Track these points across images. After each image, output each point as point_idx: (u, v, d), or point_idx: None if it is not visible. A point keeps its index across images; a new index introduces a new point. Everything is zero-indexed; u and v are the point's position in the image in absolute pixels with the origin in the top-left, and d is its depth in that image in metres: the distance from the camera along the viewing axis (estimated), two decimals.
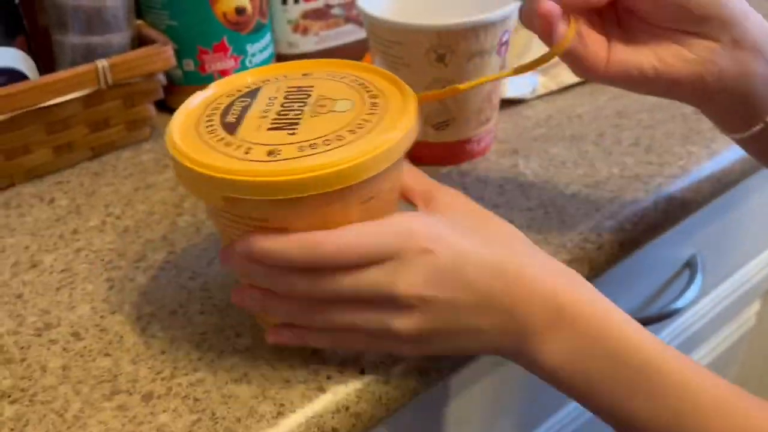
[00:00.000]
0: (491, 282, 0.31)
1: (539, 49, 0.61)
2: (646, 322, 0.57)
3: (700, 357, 0.76)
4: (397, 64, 0.46)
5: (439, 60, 0.45)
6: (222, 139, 0.31)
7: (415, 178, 0.36)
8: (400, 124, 0.31)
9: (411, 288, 0.30)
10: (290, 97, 0.34)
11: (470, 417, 0.49)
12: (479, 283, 0.31)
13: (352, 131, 0.31)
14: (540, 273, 0.32)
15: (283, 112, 0.33)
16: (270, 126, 0.32)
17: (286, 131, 0.31)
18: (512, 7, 0.44)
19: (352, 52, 0.67)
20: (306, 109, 0.33)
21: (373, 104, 0.33)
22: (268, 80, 0.36)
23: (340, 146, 0.30)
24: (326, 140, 0.30)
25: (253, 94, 0.35)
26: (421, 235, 0.31)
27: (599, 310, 0.31)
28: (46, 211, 0.48)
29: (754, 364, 0.92)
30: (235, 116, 0.33)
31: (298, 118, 0.32)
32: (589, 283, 0.33)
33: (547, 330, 0.31)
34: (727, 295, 0.74)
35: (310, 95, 0.34)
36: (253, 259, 0.31)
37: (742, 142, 0.40)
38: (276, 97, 0.34)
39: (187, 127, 0.33)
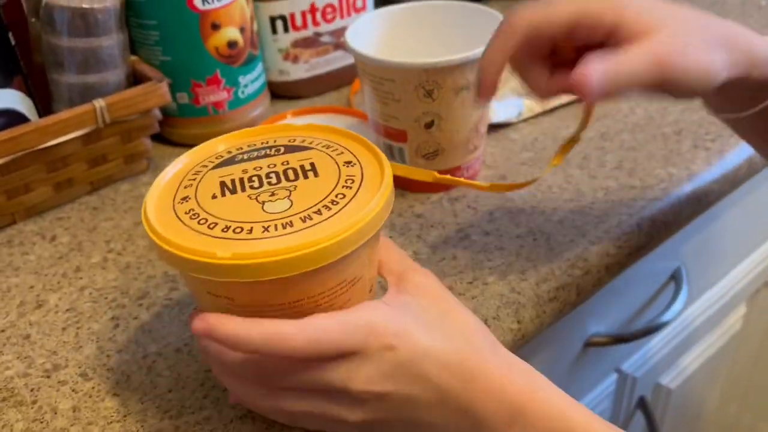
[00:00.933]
0: (449, 380, 0.31)
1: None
2: (634, 336, 0.59)
3: (689, 362, 0.78)
4: (387, 98, 0.47)
5: (427, 95, 0.46)
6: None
7: (390, 254, 0.35)
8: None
9: (367, 384, 0.30)
10: (261, 169, 0.34)
11: None
12: (437, 379, 0.31)
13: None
14: (499, 372, 0.32)
15: (253, 185, 0.33)
16: (238, 200, 0.32)
17: (257, 206, 0.31)
18: None
19: (342, 77, 0.68)
20: (278, 183, 0.33)
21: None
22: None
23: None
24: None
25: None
26: (383, 331, 0.30)
27: (559, 411, 0.31)
28: (48, 249, 0.50)
29: (742, 366, 0.94)
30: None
31: (269, 192, 0.32)
32: (549, 382, 0.33)
33: (505, 430, 0.31)
34: (714, 302, 0.76)
35: (281, 166, 0.34)
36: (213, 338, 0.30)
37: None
38: (246, 169, 0.34)
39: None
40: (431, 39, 0.54)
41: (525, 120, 0.60)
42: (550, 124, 0.60)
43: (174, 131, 0.60)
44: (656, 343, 0.70)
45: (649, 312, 0.64)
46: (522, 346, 0.43)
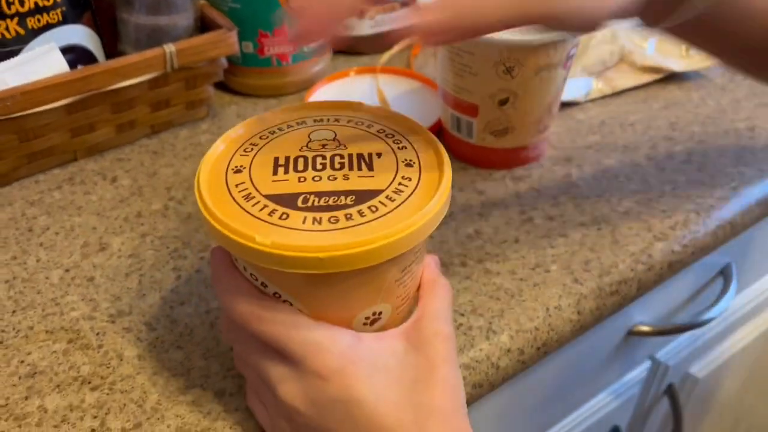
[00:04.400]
0: None
1: (594, 51, 0.61)
2: (678, 330, 0.59)
3: (720, 353, 0.78)
4: (464, 71, 0.46)
5: (506, 72, 0.45)
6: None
7: (434, 293, 0.33)
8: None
9: (292, 398, 0.30)
10: (319, 150, 0.32)
11: None
12: (365, 430, 0.29)
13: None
14: None
15: (305, 167, 0.31)
16: (296, 182, 0.30)
17: (313, 193, 0.29)
18: None
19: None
20: (331, 169, 0.31)
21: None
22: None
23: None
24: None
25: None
26: (326, 359, 0.29)
27: None
28: (109, 191, 0.50)
29: (767, 360, 0.94)
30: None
31: (328, 177, 0.30)
32: None
33: None
34: (755, 296, 0.75)
35: (340, 148, 0.32)
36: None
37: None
38: (305, 147, 0.32)
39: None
40: None
41: (592, 100, 0.59)
42: (617, 108, 0.58)
43: (235, 79, 0.60)
44: (693, 333, 0.70)
45: (694, 305, 0.64)
46: (579, 336, 0.43)
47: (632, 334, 0.58)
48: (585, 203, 0.48)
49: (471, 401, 0.39)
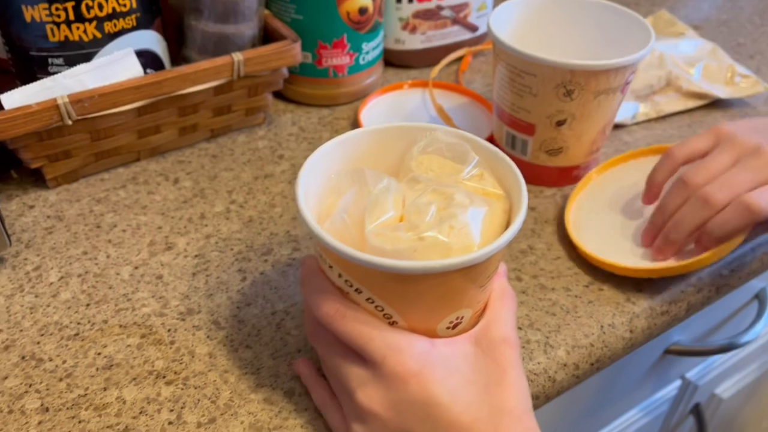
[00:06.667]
0: None
1: (643, 75, 0.62)
2: (713, 351, 0.60)
3: (744, 375, 0.79)
4: (524, 91, 0.48)
5: (566, 94, 0.46)
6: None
7: (499, 304, 0.35)
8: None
9: (370, 401, 0.31)
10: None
11: None
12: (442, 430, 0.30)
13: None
14: None
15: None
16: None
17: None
18: (645, 51, 0.46)
19: (453, 52, 0.68)
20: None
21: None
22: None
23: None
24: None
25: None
26: (405, 361, 0.31)
27: None
28: (172, 192, 0.52)
29: None
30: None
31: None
32: None
33: None
34: None
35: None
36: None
37: None
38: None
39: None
40: (570, 33, 0.53)
41: (638, 123, 0.60)
42: (662, 131, 0.60)
43: (291, 88, 0.61)
44: (724, 354, 0.71)
45: (728, 327, 0.65)
46: (630, 353, 0.44)
47: (668, 352, 0.59)
48: None
49: None
